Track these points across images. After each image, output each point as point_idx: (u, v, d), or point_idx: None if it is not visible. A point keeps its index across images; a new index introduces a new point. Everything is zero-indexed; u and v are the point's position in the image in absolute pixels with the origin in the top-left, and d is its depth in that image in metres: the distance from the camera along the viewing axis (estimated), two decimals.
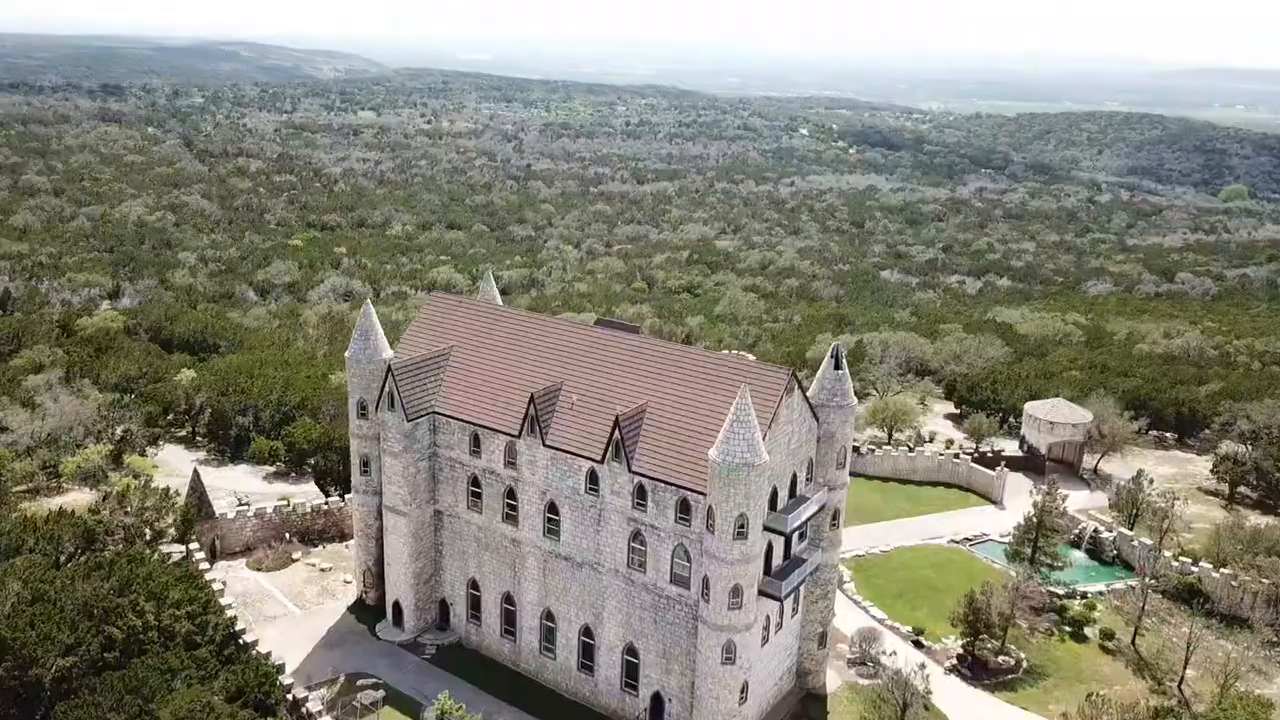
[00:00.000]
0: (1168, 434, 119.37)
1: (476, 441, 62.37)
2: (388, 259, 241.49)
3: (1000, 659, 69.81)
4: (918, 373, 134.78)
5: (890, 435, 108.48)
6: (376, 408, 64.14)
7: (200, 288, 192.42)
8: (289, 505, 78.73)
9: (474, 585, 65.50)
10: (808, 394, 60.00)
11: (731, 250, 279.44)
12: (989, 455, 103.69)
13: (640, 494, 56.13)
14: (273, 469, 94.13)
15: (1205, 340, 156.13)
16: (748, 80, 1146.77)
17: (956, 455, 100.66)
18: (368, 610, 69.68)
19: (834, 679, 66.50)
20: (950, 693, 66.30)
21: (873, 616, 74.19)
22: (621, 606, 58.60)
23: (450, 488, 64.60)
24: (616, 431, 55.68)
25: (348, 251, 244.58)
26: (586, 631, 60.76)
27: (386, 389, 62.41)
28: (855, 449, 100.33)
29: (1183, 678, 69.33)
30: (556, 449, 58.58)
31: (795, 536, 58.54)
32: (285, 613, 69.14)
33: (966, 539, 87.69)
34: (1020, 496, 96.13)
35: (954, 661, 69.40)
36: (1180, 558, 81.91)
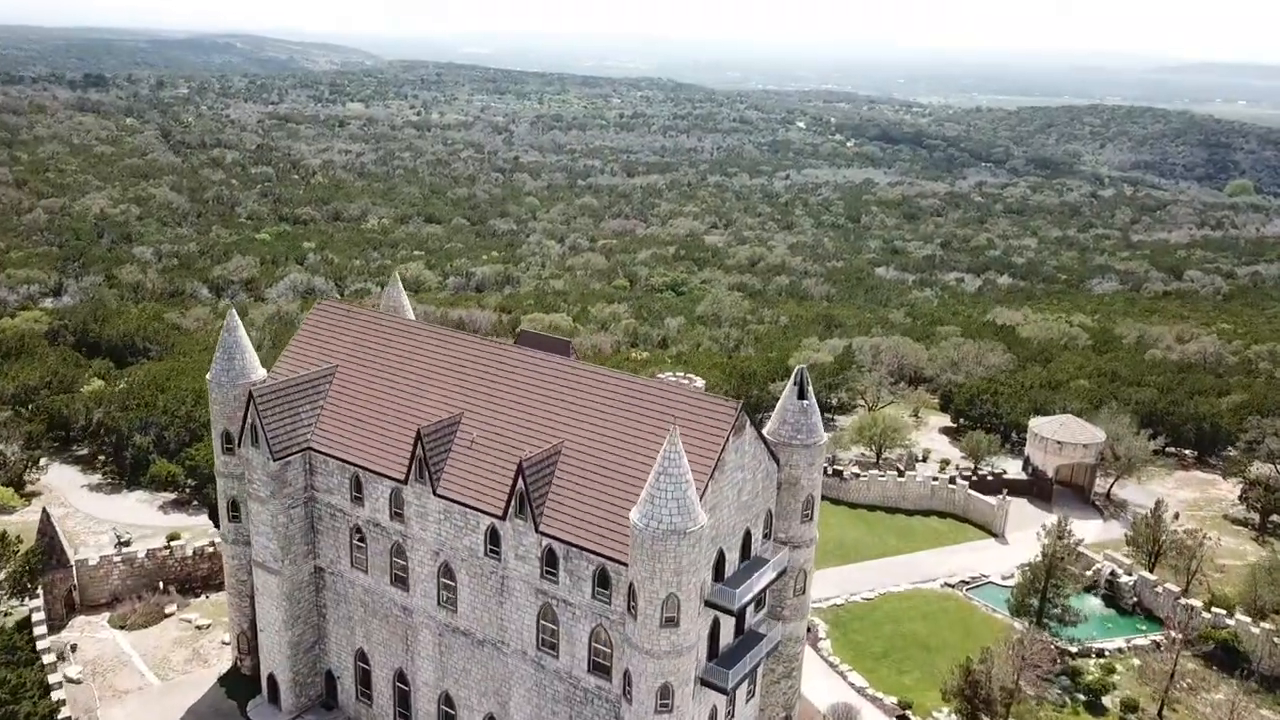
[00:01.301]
0: (1186, 451, 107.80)
1: (359, 486, 50.73)
2: (357, 254, 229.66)
3: None
4: (911, 381, 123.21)
5: (879, 454, 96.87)
6: (239, 442, 52.45)
7: (149, 285, 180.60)
8: (167, 548, 66.99)
9: (362, 658, 53.91)
10: (765, 430, 48.44)
11: (721, 246, 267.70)
12: (989, 479, 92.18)
13: (550, 560, 44.50)
14: (172, 497, 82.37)
15: (1223, 345, 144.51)
16: (748, 74, 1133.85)
17: (952, 480, 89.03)
18: (243, 681, 57.98)
19: None
20: None
21: (851, 684, 62.55)
22: (530, 697, 47.01)
23: (331, 540, 52.97)
24: (520, 480, 44.00)
25: (316, 246, 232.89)
26: None
27: (249, 420, 50.73)
28: (838, 473, 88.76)
29: None
30: (449, 500, 46.93)
31: (749, 609, 46.89)
32: (142, 685, 57.43)
33: (963, 582, 76.06)
34: (1025, 528, 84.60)
35: None
36: (1212, 608, 70.28)
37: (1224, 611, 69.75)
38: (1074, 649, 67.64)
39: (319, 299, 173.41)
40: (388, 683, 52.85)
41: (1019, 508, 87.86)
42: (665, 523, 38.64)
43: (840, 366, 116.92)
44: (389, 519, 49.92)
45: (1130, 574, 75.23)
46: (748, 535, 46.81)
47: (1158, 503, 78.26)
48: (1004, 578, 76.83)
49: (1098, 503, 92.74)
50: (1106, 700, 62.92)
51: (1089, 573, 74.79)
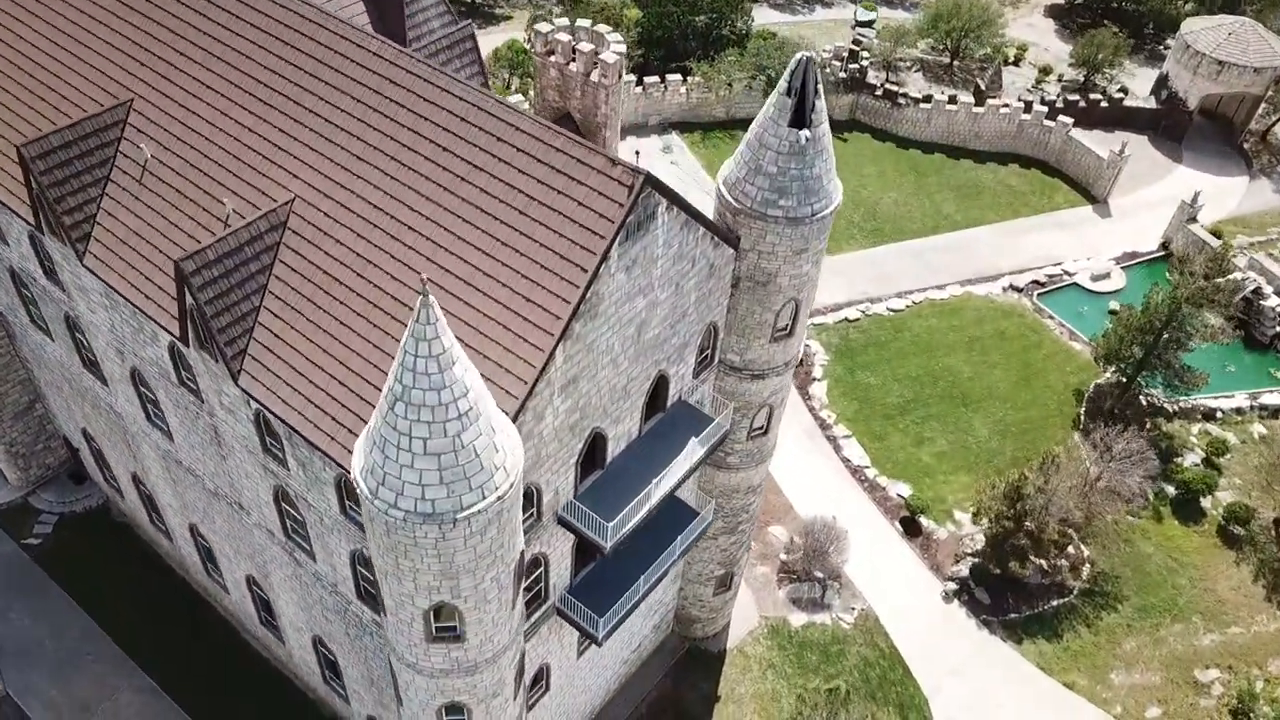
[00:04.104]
0: None
1: None
2: None
3: (1044, 565, 40.94)
4: None
5: (954, 56, 69.37)
6: None
7: None
8: None
9: (92, 440, 35.70)
10: (721, 179, 24.64)
11: None
12: (1103, 105, 65.65)
13: (270, 432, 23.81)
14: None
15: None
16: None
17: (1051, 110, 62.83)
18: None
19: (749, 611, 38.59)
20: (946, 644, 38.67)
21: (845, 460, 44.24)
22: (293, 587, 29.14)
23: None
24: (187, 292, 21.78)
25: None
26: (256, 584, 32.00)
27: None
28: (889, 95, 62.74)
29: None
30: (101, 279, 25.11)
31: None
32: None
33: (1036, 282, 54.36)
34: (1136, 188, 61.26)
35: (965, 576, 40.69)
36: None
37: None
38: (1172, 408, 48.02)
39: None
40: (128, 482, 35.17)
41: (1137, 150, 62.69)
42: (408, 500, 17.24)
43: None
44: (44, 278, 28.48)
45: None
46: (662, 380, 25.26)
47: None
48: (1095, 277, 54.97)
49: (1248, 147, 66.84)
50: (1206, 503, 44.55)
51: (1225, 281, 51.86)
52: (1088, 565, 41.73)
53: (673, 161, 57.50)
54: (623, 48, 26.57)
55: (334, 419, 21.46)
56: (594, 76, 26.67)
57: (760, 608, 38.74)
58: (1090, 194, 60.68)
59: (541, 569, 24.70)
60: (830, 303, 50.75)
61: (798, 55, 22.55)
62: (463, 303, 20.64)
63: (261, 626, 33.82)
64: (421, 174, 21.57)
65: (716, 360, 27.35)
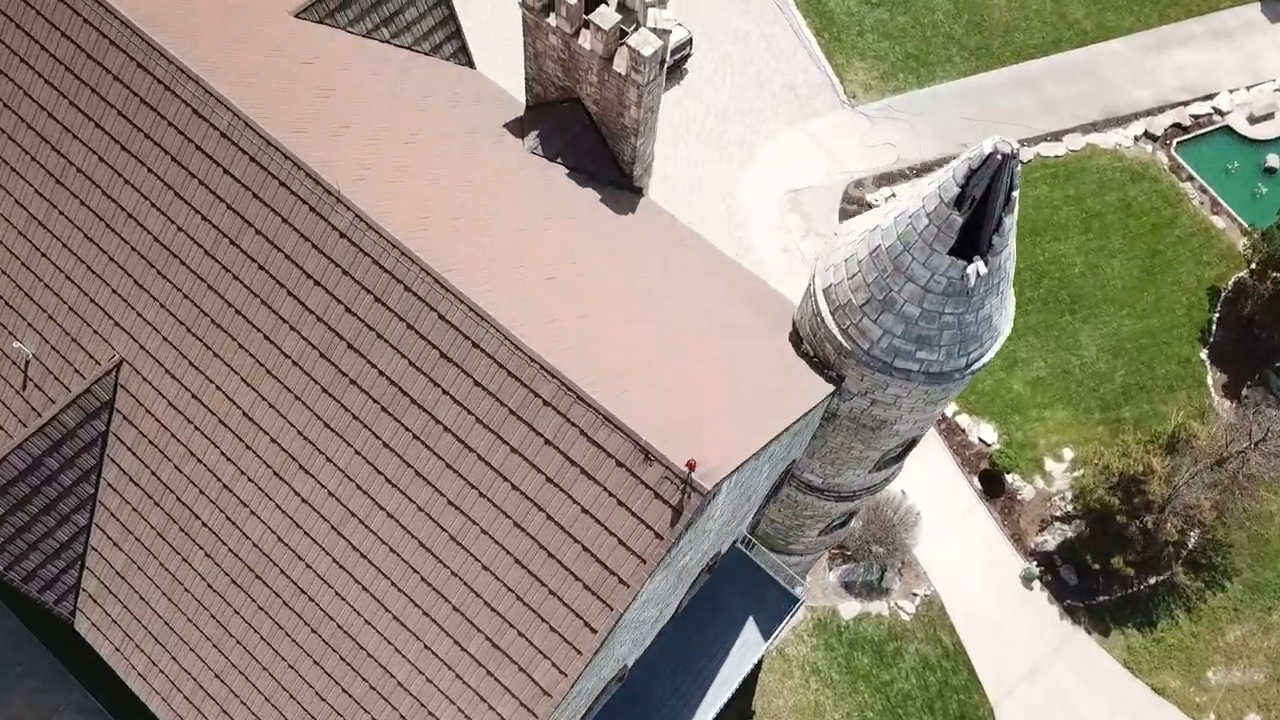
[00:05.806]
0: None
1: None
2: None
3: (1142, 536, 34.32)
4: None
5: None
6: None
7: None
8: None
9: None
10: (821, 292, 15.15)
11: None
12: None
13: None
14: None
15: None
16: None
17: None
18: None
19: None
20: (1021, 639, 33.07)
21: None
22: None
23: None
24: None
25: None
26: None
27: None
28: None
29: None
30: None
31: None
32: None
33: (1177, 126, 42.86)
34: None
35: (1050, 551, 34.20)
36: None
37: None
38: None
39: None
40: None
41: None
42: None
43: None
44: None
45: None
46: (712, 561, 17.38)
47: None
48: (1254, 119, 43.34)
49: None
50: None
51: None
52: (1195, 532, 35.11)
53: None
54: (672, 25, 15.65)
55: None
56: (618, 65, 16.13)
57: (806, 595, 32.79)
58: None
59: None
60: (917, 160, 40.14)
61: (984, 146, 12.42)
62: (398, 621, 12.53)
63: None
64: (318, 383, 12.56)
65: (787, 479, 19.18)
